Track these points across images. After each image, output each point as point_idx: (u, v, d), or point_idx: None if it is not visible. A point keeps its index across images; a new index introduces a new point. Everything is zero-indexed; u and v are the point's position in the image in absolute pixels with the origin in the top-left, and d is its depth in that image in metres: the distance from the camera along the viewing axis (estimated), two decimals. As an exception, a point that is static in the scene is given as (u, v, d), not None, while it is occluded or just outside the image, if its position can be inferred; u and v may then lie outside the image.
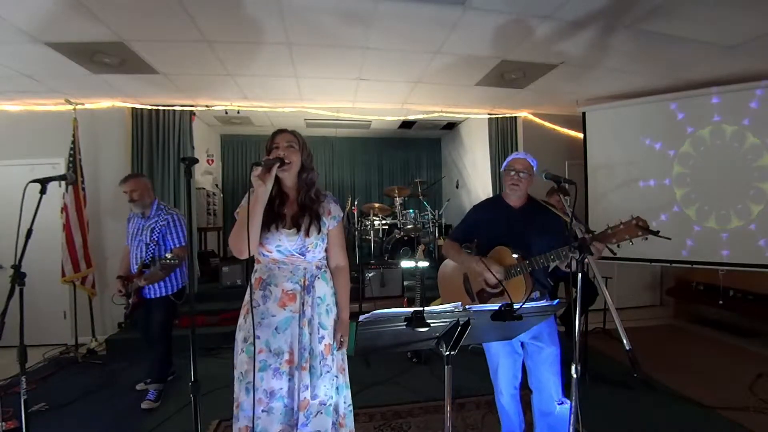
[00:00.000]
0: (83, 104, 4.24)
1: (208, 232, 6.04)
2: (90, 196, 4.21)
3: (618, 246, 1.66)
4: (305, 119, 5.68)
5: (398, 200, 5.93)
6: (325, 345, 1.63)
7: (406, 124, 6.46)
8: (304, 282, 1.62)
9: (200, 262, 5.35)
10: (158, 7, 2.51)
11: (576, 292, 1.49)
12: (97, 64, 3.34)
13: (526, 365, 2.00)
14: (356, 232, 5.72)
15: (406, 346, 1.48)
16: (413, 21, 2.74)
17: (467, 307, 1.22)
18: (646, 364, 3.34)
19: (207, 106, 4.68)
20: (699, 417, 2.61)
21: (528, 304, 1.28)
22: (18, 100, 4.15)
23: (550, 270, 1.99)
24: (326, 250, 1.72)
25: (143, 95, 4.23)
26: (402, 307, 1.57)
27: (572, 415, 1.48)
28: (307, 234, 1.60)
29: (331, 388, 1.63)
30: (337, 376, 1.66)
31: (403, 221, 5.83)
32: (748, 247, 3.62)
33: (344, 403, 1.70)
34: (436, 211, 6.01)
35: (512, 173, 1.98)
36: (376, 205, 5.87)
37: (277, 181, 1.61)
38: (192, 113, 4.68)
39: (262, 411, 1.54)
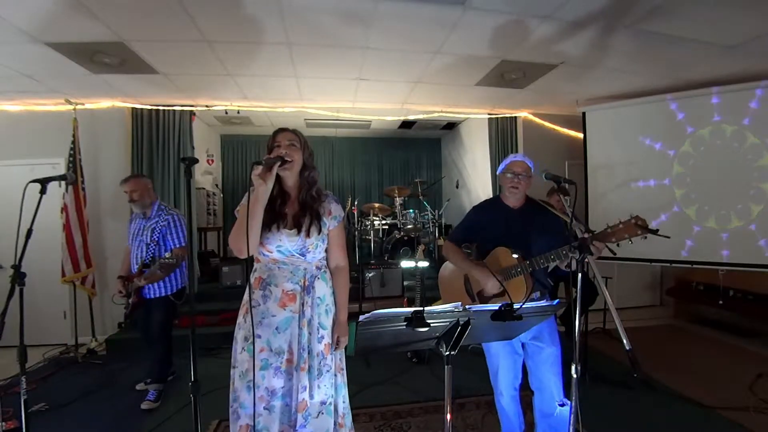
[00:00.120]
0: (83, 104, 4.24)
1: (208, 232, 6.04)
2: (90, 196, 4.21)
3: (618, 245, 1.67)
4: (305, 119, 5.68)
5: (398, 200, 5.93)
6: (325, 344, 1.64)
7: (406, 124, 6.46)
8: (304, 282, 1.62)
9: (200, 262, 5.35)
10: (158, 7, 2.51)
11: (576, 292, 1.50)
12: (97, 64, 3.35)
13: (527, 366, 2.00)
14: (356, 232, 5.71)
15: (406, 346, 1.48)
16: (413, 21, 2.74)
17: (467, 307, 1.22)
18: (646, 364, 3.34)
19: (207, 106, 4.67)
20: (699, 417, 2.62)
21: (528, 304, 1.28)
22: (18, 100, 4.15)
23: (550, 270, 1.99)
24: (326, 250, 1.72)
25: (143, 95, 4.23)
26: (402, 307, 1.57)
27: (572, 415, 1.48)
28: (308, 234, 1.60)
29: (331, 387, 1.64)
30: (336, 375, 1.67)
31: (403, 221, 5.82)
32: (748, 247, 3.62)
33: (343, 402, 1.71)
34: (436, 211, 6.00)
35: (511, 176, 1.98)
36: (376, 205, 5.87)
37: (279, 180, 1.61)
38: (192, 113, 4.68)
39: (264, 408, 1.55)
